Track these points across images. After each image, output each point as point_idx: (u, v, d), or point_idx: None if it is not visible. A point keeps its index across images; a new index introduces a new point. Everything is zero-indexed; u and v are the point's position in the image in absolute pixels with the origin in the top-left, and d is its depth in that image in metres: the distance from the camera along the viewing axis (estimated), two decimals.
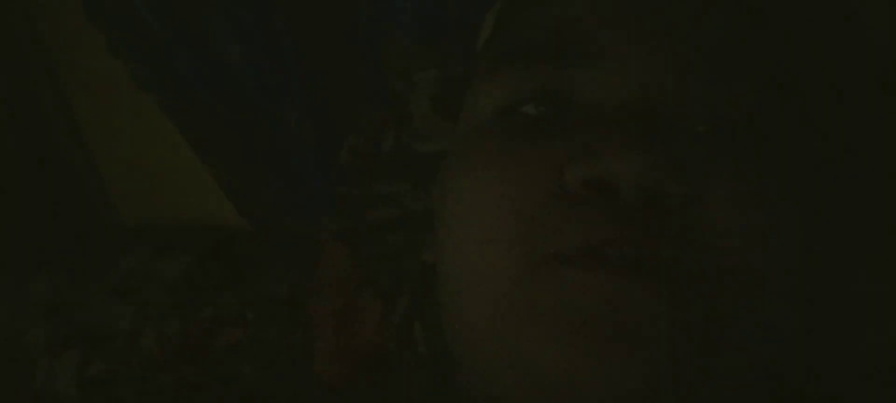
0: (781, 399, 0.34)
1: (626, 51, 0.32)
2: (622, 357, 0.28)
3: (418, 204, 0.48)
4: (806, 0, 0.36)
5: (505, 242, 0.30)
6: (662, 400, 0.29)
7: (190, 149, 0.57)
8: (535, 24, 0.34)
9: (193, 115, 0.55)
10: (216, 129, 0.55)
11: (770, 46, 0.33)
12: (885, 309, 0.38)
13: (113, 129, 0.61)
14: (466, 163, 0.34)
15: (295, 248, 0.57)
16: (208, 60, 0.51)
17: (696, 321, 0.29)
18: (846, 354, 0.37)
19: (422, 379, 0.45)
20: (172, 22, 0.51)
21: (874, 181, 0.38)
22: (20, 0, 0.60)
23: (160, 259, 0.59)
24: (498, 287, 0.31)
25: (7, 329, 0.59)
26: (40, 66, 0.61)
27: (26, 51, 0.61)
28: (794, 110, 0.33)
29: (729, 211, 0.29)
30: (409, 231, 0.48)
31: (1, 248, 0.61)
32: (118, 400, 0.54)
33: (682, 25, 0.32)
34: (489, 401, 0.35)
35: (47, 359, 0.57)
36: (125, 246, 0.60)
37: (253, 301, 0.57)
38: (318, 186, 0.55)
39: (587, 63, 0.32)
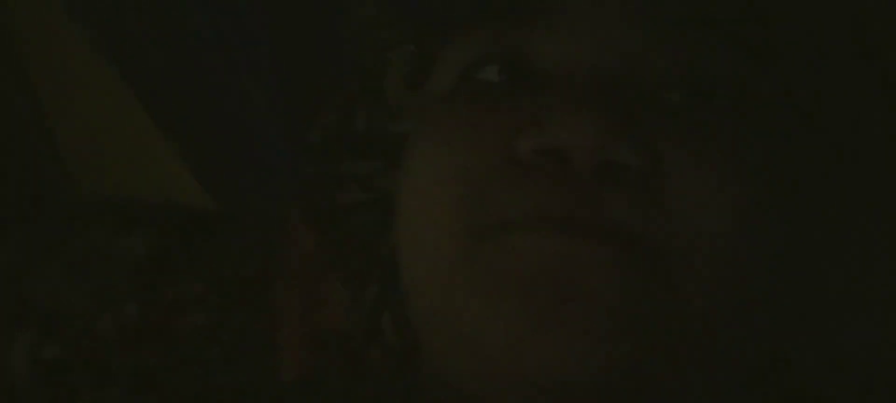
0: (754, 390, 0.32)
1: (588, 12, 0.30)
2: (572, 325, 0.25)
3: (390, 186, 0.46)
4: None
5: (451, 210, 0.29)
6: (618, 377, 0.26)
7: (151, 121, 0.54)
8: None
9: (154, 87, 0.52)
10: (178, 102, 0.52)
11: (748, 9, 0.31)
12: (870, 303, 0.36)
13: (72, 98, 0.58)
14: (421, 133, 0.33)
15: (263, 229, 0.55)
16: (169, 28, 0.48)
17: (654, 287, 0.27)
18: (826, 347, 0.35)
19: (389, 370, 0.43)
20: None
21: (861, 164, 0.36)
22: None
23: (120, 236, 0.57)
24: (444, 259, 0.29)
25: None
26: None
27: None
28: (771, 81, 0.31)
29: (694, 187, 0.27)
30: (381, 214, 0.46)
31: None
32: (73, 386, 0.52)
33: None
34: (450, 389, 0.33)
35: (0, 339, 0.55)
36: (83, 221, 0.57)
37: (218, 283, 0.55)
38: (287, 166, 0.52)
39: (545, 24, 0.30)
